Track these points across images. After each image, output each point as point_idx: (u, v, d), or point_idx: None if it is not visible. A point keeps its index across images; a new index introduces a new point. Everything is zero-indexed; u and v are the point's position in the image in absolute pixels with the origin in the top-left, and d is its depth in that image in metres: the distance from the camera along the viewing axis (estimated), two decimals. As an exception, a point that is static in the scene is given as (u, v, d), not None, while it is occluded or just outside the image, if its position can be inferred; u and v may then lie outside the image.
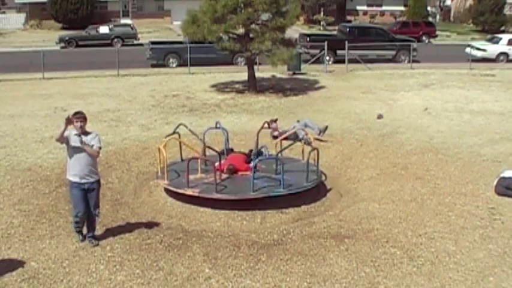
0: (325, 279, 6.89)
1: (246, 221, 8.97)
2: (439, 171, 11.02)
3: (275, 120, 13.19)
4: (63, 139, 7.13)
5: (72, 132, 7.18)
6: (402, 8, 51.37)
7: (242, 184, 9.56)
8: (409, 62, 26.70)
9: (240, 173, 10.06)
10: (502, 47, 29.11)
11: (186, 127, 11.47)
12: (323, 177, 10.63)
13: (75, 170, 7.33)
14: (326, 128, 13.43)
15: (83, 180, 7.38)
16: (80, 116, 7.16)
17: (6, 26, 45.60)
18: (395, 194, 9.83)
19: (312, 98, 18.89)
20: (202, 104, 17.54)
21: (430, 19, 47.77)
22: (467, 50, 28.37)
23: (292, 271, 7.07)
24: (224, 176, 9.84)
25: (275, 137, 12.36)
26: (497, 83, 21.87)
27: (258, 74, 21.11)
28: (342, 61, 25.39)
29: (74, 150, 7.25)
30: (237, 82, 21.36)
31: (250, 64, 20.30)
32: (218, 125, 11.57)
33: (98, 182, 7.64)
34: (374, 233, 8.21)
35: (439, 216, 8.81)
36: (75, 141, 7.18)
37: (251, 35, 19.05)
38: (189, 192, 9.27)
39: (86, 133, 7.29)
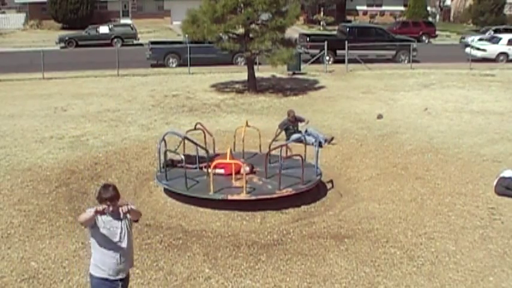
0: (325, 279, 6.89)
1: (246, 221, 8.96)
2: (439, 171, 11.02)
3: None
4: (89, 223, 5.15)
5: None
6: (402, 8, 51.42)
7: (290, 177, 9.65)
8: (409, 62, 26.65)
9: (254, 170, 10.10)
10: (502, 47, 29.08)
11: (189, 140, 10.59)
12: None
13: (110, 262, 5.18)
14: (332, 139, 13.06)
15: (119, 276, 5.21)
16: (113, 196, 5.02)
17: (6, 26, 45.54)
18: (395, 194, 9.83)
19: (312, 98, 18.88)
20: (202, 104, 17.53)
21: (430, 19, 47.78)
22: (467, 50, 28.37)
23: (292, 271, 7.07)
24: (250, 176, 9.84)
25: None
26: (497, 83, 21.86)
27: (258, 74, 21.11)
28: (342, 61, 25.37)
29: (106, 238, 5.16)
30: (237, 82, 21.35)
31: (250, 64, 20.29)
32: (171, 131, 10.82)
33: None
34: (374, 233, 8.22)
35: (439, 216, 8.82)
36: (109, 225, 5.14)
37: (251, 35, 19.04)
38: (285, 192, 9.29)
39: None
